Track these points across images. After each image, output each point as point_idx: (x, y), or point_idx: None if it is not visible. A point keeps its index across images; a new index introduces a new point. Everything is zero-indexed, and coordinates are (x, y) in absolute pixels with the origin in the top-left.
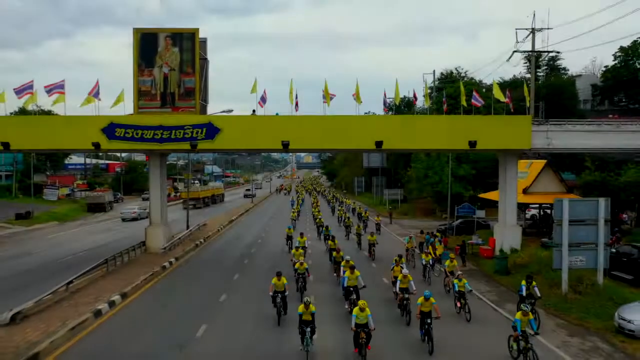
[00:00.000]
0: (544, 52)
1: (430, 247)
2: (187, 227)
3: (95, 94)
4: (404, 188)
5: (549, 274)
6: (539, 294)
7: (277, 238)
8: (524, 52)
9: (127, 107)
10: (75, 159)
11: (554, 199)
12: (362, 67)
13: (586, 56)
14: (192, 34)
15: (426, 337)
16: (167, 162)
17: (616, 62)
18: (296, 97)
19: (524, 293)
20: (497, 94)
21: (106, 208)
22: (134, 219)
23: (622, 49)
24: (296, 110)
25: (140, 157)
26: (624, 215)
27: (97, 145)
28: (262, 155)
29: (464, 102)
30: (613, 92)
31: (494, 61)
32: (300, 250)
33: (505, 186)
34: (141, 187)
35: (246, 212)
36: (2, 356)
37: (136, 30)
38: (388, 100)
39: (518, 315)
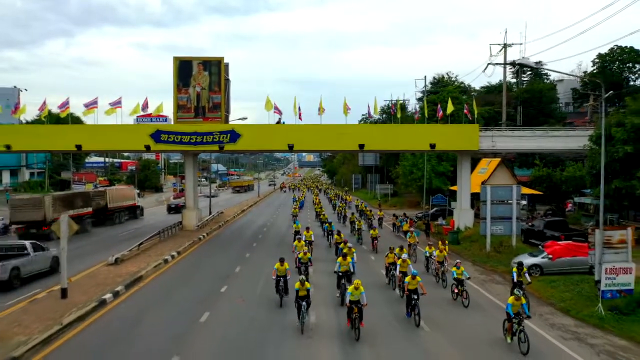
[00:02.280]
0: (514, 64)
1: (440, 243)
2: (210, 212)
3: (143, 107)
4: (394, 184)
5: (482, 240)
6: (529, 280)
7: (283, 223)
8: (497, 64)
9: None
10: (93, 158)
11: (481, 185)
12: (362, 66)
13: (573, 60)
14: (218, 61)
15: (412, 312)
16: (175, 162)
17: (594, 68)
18: (299, 110)
19: (516, 279)
20: (449, 108)
21: None
22: (214, 196)
23: (599, 55)
24: (300, 119)
25: (150, 156)
26: (570, 205)
27: (148, 147)
28: (265, 155)
29: (426, 114)
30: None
31: (487, 61)
32: (303, 242)
33: (461, 179)
34: (153, 185)
35: (255, 204)
36: (121, 276)
37: (175, 59)
38: (381, 107)
39: (511, 299)
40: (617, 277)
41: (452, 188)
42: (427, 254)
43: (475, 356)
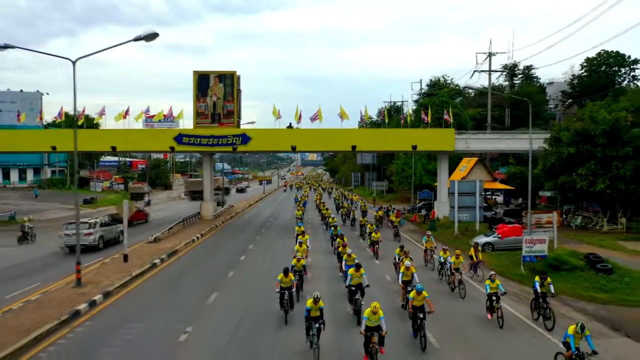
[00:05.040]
0: (498, 71)
1: (472, 249)
2: (222, 205)
3: (169, 113)
4: (390, 181)
5: (454, 227)
6: (553, 291)
7: (286, 216)
8: (482, 71)
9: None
10: (107, 157)
11: (449, 180)
12: (365, 64)
13: (567, 63)
14: (232, 75)
15: (418, 333)
16: (182, 160)
17: (582, 71)
18: (300, 116)
19: (539, 290)
20: (429, 117)
21: (145, 197)
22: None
23: (587, 59)
24: (299, 122)
25: (159, 155)
26: (545, 199)
27: (172, 148)
28: (269, 154)
29: (409, 120)
30: (580, 97)
31: (484, 61)
32: (304, 247)
33: (440, 176)
34: (163, 182)
35: (260, 200)
36: (162, 250)
37: (195, 72)
38: (379, 109)
39: (571, 330)
40: (534, 246)
41: (436, 184)
42: (442, 260)
43: None
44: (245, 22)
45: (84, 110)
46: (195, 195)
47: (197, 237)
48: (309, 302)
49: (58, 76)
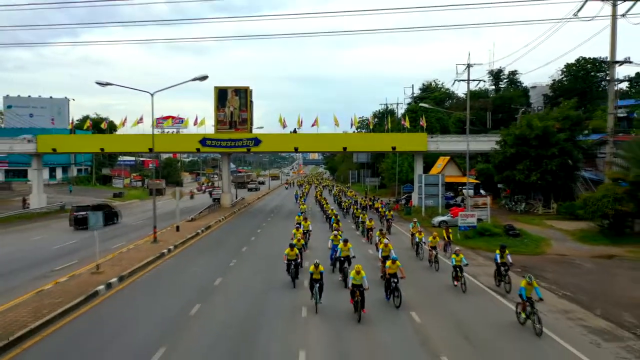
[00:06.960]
0: (476, 80)
1: (444, 231)
2: (236, 197)
3: (194, 122)
4: (382, 177)
5: (422, 210)
6: (510, 261)
7: (289, 207)
8: (462, 80)
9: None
10: (125, 157)
11: (417, 174)
12: (366, 64)
13: (552, 66)
14: (246, 89)
15: (392, 295)
16: (190, 159)
17: (562, 76)
18: (301, 123)
19: (499, 260)
20: (407, 123)
21: (163, 192)
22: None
23: (567, 65)
24: (300, 127)
25: (168, 155)
26: (509, 191)
27: (198, 150)
28: (271, 154)
29: (389, 126)
30: (560, 101)
31: (463, 71)
32: (301, 230)
33: (416, 172)
34: (175, 180)
35: (267, 194)
36: (200, 226)
37: (216, 88)
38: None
39: (523, 283)
40: (467, 219)
41: None
42: (417, 240)
43: (490, 339)
44: (246, 22)
45: (125, 120)
46: (239, 185)
47: (222, 218)
48: (311, 267)
49: (58, 77)
